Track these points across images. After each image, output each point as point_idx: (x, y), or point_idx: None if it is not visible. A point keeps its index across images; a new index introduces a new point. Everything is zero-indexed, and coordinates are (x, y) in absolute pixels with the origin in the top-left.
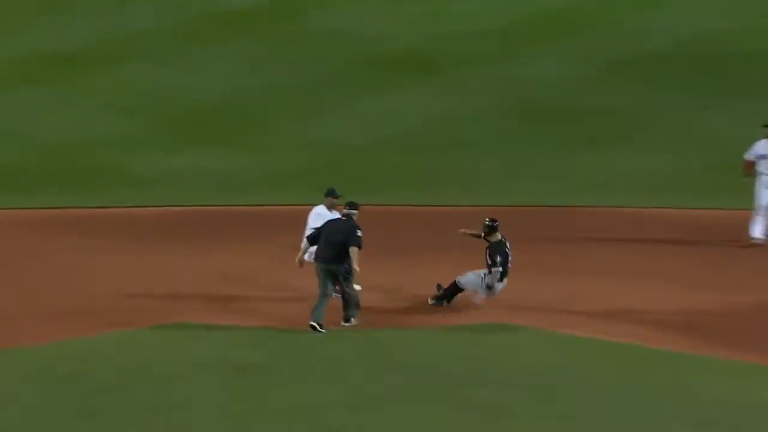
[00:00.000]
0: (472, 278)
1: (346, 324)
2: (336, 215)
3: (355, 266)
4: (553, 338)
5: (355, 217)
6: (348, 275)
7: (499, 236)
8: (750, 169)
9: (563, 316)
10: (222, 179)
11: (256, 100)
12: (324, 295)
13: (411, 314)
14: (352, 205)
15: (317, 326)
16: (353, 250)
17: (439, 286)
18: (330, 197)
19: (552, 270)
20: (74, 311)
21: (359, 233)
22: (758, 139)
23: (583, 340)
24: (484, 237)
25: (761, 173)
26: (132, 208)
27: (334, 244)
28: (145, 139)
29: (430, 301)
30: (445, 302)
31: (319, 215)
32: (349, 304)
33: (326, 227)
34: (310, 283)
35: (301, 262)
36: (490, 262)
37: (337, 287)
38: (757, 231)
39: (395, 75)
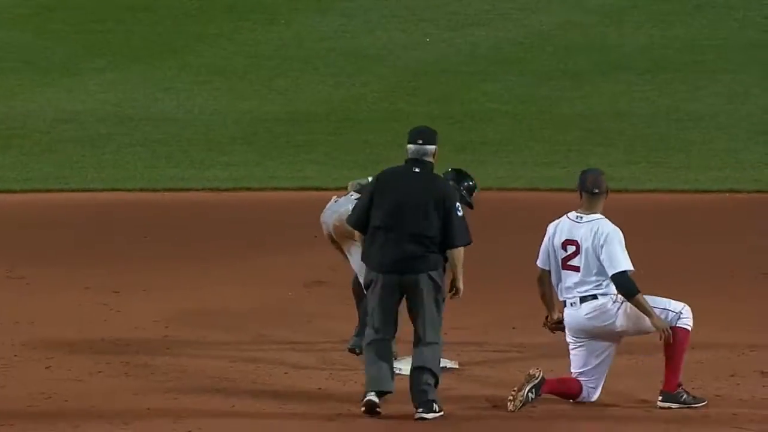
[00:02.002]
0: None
1: (426, 415)
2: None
3: (459, 281)
4: None
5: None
6: (440, 298)
7: None
8: None
9: None
10: None
11: None
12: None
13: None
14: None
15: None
16: (460, 251)
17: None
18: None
19: None
20: None
21: (461, 212)
22: None
23: None
24: None
25: None
26: None
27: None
28: None
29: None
30: None
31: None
32: (428, 368)
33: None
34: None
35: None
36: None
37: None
38: None
39: None
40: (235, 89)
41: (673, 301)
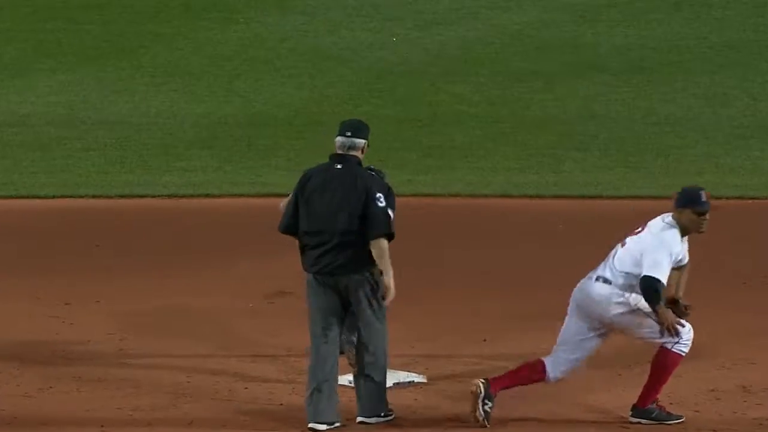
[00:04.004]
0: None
1: (369, 420)
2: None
3: (387, 278)
4: None
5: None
6: (376, 299)
7: None
8: None
9: None
10: None
11: None
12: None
13: None
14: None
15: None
16: (379, 243)
17: None
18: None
19: None
20: None
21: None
22: None
23: None
24: None
25: None
26: None
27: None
28: None
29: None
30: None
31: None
32: (369, 375)
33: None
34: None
35: None
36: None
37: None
38: None
39: None
40: (193, 91)
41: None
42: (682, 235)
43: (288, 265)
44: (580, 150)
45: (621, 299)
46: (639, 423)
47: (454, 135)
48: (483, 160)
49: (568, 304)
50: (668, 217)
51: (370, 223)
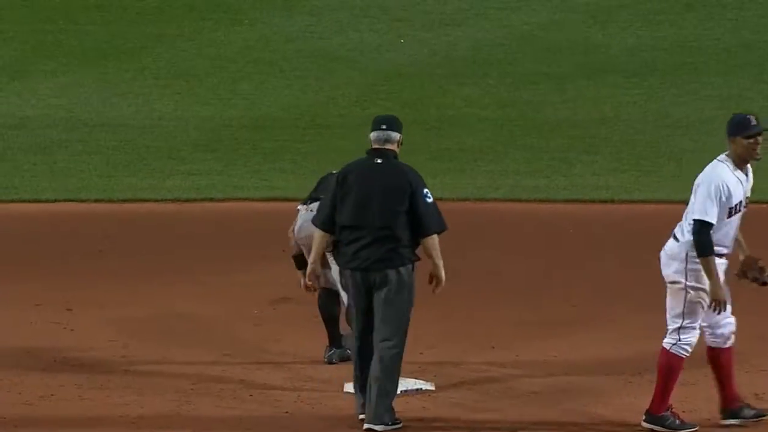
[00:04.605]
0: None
1: (376, 427)
2: None
3: (441, 271)
4: None
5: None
6: (408, 298)
7: None
8: None
9: None
10: None
11: None
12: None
13: None
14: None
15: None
16: (434, 239)
17: None
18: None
19: None
20: None
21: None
22: None
23: None
24: None
25: None
26: None
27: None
28: None
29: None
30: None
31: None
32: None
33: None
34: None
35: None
36: None
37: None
38: None
39: None
40: (197, 93)
41: (695, 320)
42: (739, 166)
43: (291, 271)
44: (591, 153)
45: (680, 256)
46: (652, 429)
47: (463, 138)
48: (492, 163)
49: (577, 309)
50: (721, 155)
51: (423, 220)
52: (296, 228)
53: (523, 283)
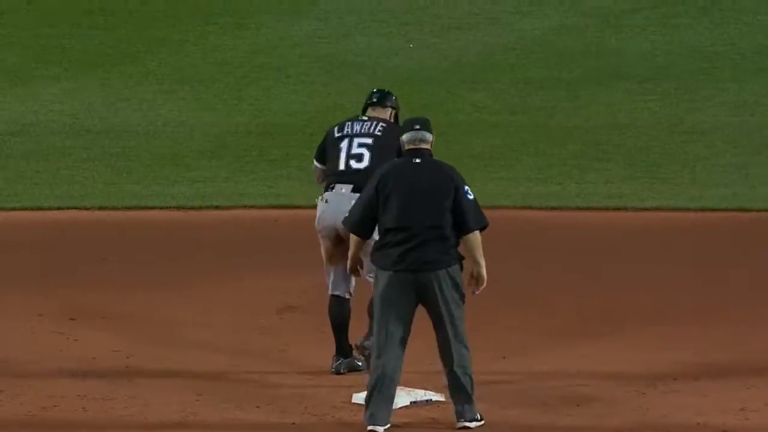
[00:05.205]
0: None
1: (470, 424)
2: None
3: (483, 269)
4: None
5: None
6: (459, 295)
7: None
8: None
9: None
10: None
11: None
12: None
13: None
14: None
15: None
16: (476, 235)
17: None
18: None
19: None
20: None
21: (471, 195)
22: None
23: None
24: None
25: None
26: None
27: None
28: None
29: None
30: None
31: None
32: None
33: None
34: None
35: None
36: None
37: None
38: None
39: None
40: (202, 99)
41: None
42: None
43: (298, 279)
44: (603, 160)
45: None
46: None
47: (473, 144)
48: (503, 170)
49: (589, 319)
50: None
51: (467, 217)
52: (315, 221)
53: (534, 291)
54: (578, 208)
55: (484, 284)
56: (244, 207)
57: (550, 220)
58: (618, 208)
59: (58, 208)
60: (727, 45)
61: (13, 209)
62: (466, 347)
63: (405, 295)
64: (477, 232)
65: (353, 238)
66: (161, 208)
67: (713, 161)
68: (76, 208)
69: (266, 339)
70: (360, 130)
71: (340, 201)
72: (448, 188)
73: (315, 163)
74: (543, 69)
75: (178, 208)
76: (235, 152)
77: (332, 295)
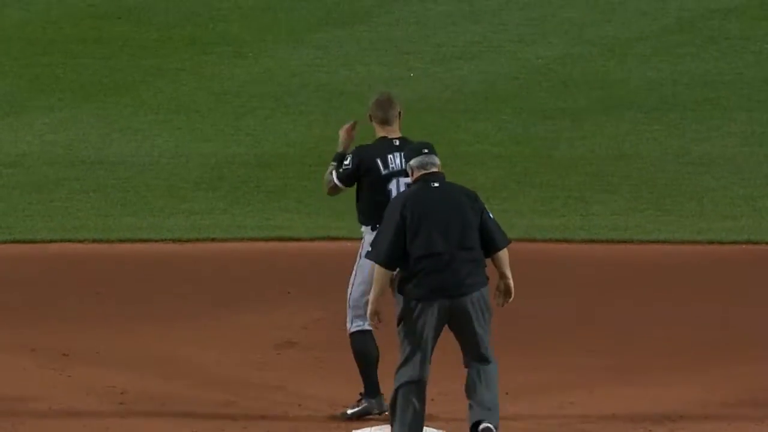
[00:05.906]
0: None
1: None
2: None
3: (511, 282)
4: None
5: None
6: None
7: None
8: None
9: None
10: None
11: None
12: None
13: None
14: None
15: None
16: (505, 252)
17: None
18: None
19: None
20: None
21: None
22: None
23: None
24: None
25: None
26: None
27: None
28: None
29: None
30: None
31: None
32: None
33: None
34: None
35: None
36: None
37: None
38: None
39: None
40: (199, 129)
41: None
42: None
43: (296, 314)
44: (608, 192)
45: None
46: None
47: (476, 175)
48: (506, 201)
49: (595, 354)
50: None
51: (494, 235)
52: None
53: (538, 326)
54: (583, 241)
55: (512, 297)
56: (242, 239)
57: (553, 253)
58: (623, 241)
59: (51, 241)
60: (734, 74)
61: (5, 242)
62: (493, 362)
63: (439, 323)
64: (505, 249)
65: (380, 273)
66: (156, 240)
67: (721, 193)
68: (69, 240)
69: (263, 375)
70: (400, 165)
71: None
72: (475, 209)
73: (337, 182)
74: (547, 99)
75: (174, 240)
76: (232, 183)
77: (354, 332)
